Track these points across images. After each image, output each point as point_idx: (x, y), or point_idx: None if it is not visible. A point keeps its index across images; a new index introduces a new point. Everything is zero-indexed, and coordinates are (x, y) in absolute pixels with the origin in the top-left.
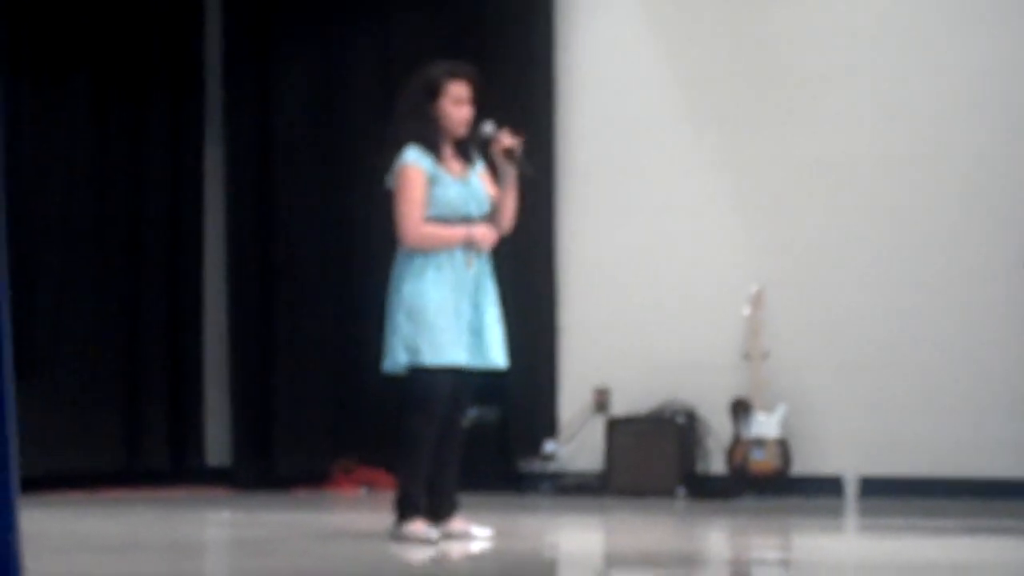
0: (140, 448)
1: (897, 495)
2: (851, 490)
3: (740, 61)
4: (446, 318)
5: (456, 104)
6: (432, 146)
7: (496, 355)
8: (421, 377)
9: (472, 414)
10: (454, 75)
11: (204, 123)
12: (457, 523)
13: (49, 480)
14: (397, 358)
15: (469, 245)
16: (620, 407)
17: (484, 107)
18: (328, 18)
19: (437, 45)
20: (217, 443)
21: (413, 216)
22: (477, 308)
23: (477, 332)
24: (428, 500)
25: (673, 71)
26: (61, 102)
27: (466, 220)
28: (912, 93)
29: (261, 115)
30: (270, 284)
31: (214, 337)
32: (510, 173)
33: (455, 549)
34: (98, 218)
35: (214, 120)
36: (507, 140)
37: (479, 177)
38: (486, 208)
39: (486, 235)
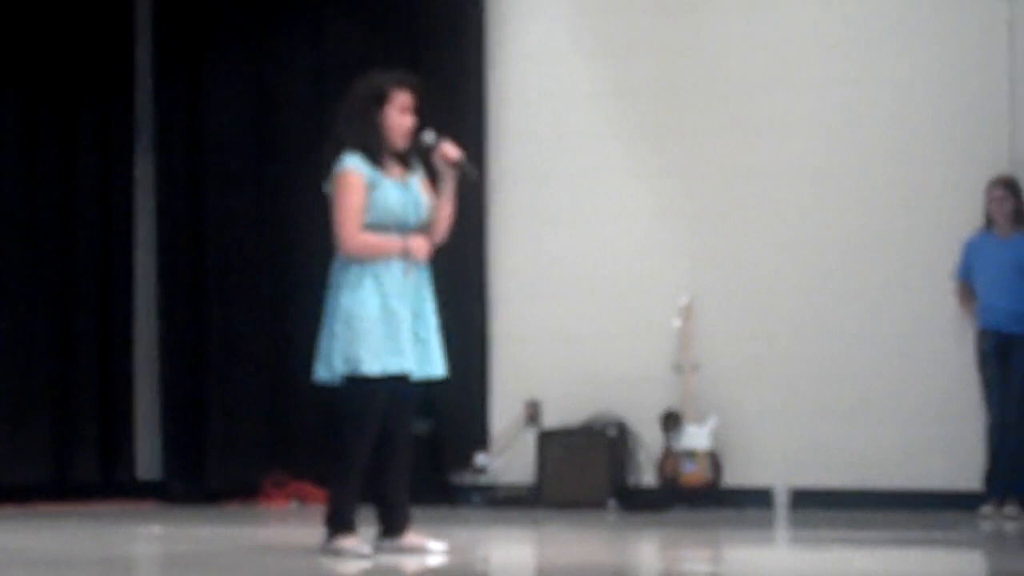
0: (70, 461)
1: (828, 507)
2: (782, 502)
3: (670, 70)
4: (385, 327)
5: (402, 112)
6: (374, 152)
7: (437, 364)
8: (359, 387)
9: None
10: (400, 84)
11: (134, 132)
12: (411, 537)
13: None
14: (334, 367)
15: (406, 255)
16: (551, 419)
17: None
18: (261, 25)
19: (369, 53)
20: (148, 456)
21: (350, 224)
22: (419, 317)
23: (421, 340)
24: (379, 515)
25: (603, 81)
26: None
27: (403, 227)
28: (842, 102)
29: (192, 122)
30: (201, 296)
31: (144, 349)
32: (450, 181)
33: (397, 563)
34: (27, 228)
35: (144, 128)
36: (451, 151)
37: (418, 183)
38: (423, 215)
39: (421, 247)
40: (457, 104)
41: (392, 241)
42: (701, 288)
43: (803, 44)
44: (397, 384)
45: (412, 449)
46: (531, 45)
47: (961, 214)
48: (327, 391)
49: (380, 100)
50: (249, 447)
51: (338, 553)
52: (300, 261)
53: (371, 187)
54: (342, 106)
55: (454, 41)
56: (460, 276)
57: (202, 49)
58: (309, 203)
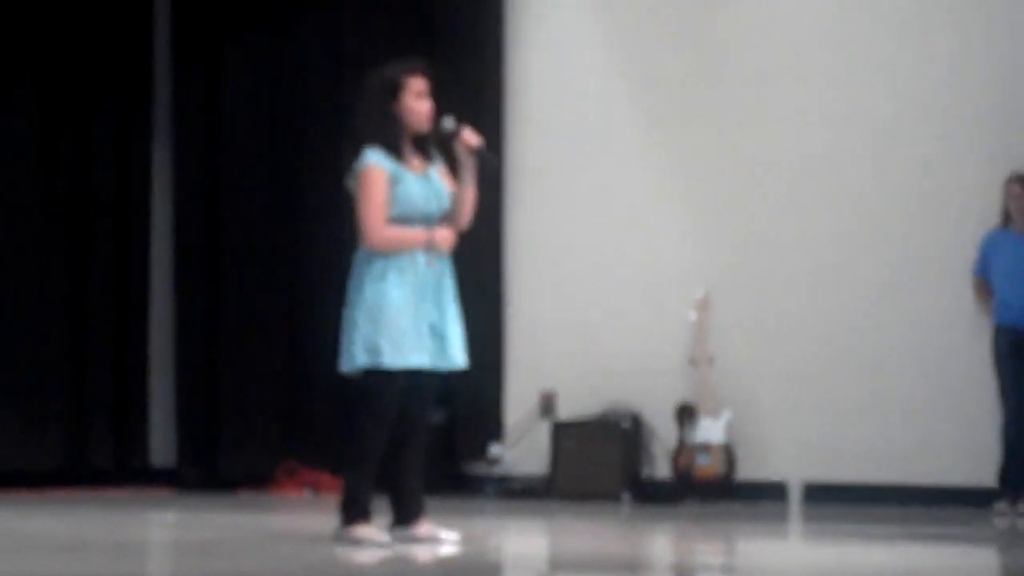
0: (84, 448)
1: (842, 501)
2: (796, 496)
3: (690, 60)
4: (407, 320)
5: (418, 98)
6: (393, 145)
7: (457, 355)
8: (378, 378)
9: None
10: (412, 70)
11: (152, 121)
12: (423, 527)
13: None
14: (355, 358)
15: (430, 247)
16: (566, 411)
17: (435, 102)
18: (279, 15)
19: (387, 43)
20: (162, 443)
21: (375, 219)
22: (439, 309)
23: (439, 334)
24: (393, 503)
25: (623, 69)
26: (7, 104)
27: (427, 219)
28: (862, 93)
29: (210, 111)
30: (217, 285)
31: (160, 337)
32: (471, 169)
33: (410, 552)
34: (44, 217)
35: (162, 117)
36: (471, 137)
37: (439, 173)
38: (446, 205)
39: (446, 238)
40: (476, 92)
41: (417, 234)
42: (717, 281)
43: (824, 35)
44: (415, 376)
45: (428, 439)
46: (550, 33)
47: (979, 210)
48: (342, 380)
49: (394, 91)
50: (263, 435)
51: (355, 541)
52: (316, 249)
53: (393, 181)
54: (357, 102)
55: (473, 28)
56: (476, 266)
57: (221, 38)
58: (326, 192)
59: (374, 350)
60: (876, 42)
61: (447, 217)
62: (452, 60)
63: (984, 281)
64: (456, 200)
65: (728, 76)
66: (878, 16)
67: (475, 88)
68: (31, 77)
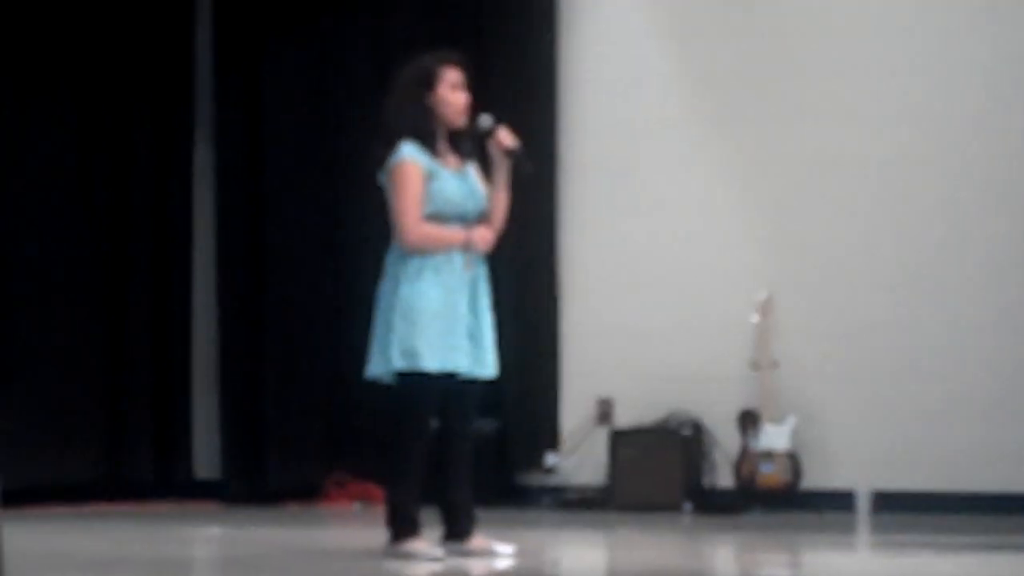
0: (125, 460)
1: (911, 510)
2: (864, 505)
3: (749, 57)
4: (445, 322)
5: (453, 89)
6: (429, 139)
7: (490, 364)
8: (415, 383)
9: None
10: (447, 61)
11: (193, 125)
12: (478, 541)
13: (30, 494)
14: (390, 362)
15: (467, 247)
16: (624, 418)
17: (484, 103)
18: (321, 15)
19: (434, 41)
20: (206, 455)
21: (412, 215)
22: (474, 313)
23: (475, 339)
24: (444, 519)
25: (679, 67)
26: (45, 105)
27: (463, 218)
28: (926, 89)
29: (252, 116)
30: (261, 291)
31: (203, 344)
32: (505, 170)
33: (464, 566)
34: (83, 223)
35: (204, 122)
36: (506, 138)
37: (474, 173)
38: (482, 206)
39: (485, 237)
40: (527, 90)
41: (455, 232)
42: (780, 283)
43: (887, 28)
44: (450, 382)
45: (473, 450)
46: (604, 28)
47: None
48: (388, 388)
49: (429, 82)
50: (311, 446)
51: (406, 556)
52: (362, 255)
53: (429, 177)
54: (390, 96)
55: (524, 24)
56: (530, 270)
57: (262, 37)
58: (370, 196)
59: (411, 353)
60: (940, 36)
61: (483, 219)
62: (502, 57)
63: None
64: (489, 203)
65: (789, 72)
66: (942, 8)
67: (526, 86)
68: (69, 80)
